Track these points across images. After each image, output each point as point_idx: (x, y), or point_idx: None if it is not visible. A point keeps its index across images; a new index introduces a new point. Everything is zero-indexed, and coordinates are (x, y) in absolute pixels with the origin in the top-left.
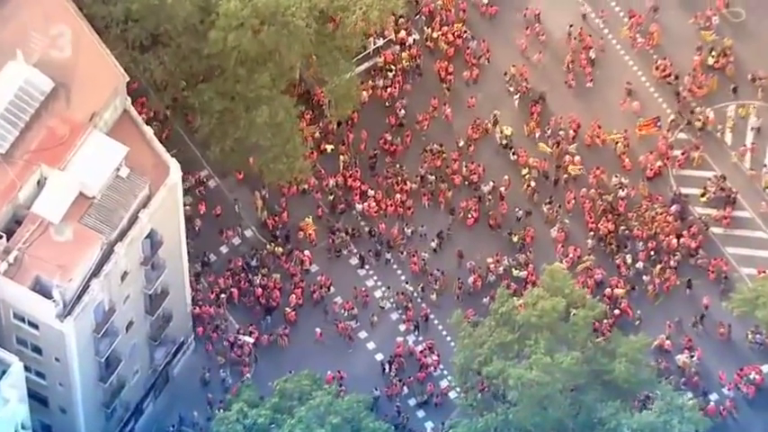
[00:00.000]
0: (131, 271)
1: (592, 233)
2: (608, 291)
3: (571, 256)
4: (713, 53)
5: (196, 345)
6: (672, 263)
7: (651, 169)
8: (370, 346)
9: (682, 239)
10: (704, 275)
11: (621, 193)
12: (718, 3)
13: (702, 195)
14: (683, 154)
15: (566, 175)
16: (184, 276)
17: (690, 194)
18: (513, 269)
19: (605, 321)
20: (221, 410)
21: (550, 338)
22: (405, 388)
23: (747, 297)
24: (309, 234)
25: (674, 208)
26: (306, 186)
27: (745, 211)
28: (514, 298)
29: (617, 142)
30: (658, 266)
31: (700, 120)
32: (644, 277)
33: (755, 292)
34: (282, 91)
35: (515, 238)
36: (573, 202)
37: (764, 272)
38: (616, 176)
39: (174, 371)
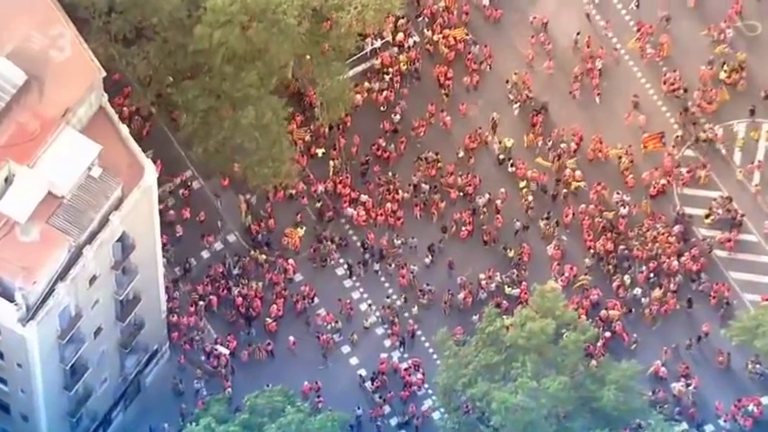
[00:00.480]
0: (101, 275)
1: (590, 251)
2: (603, 312)
3: (567, 274)
4: (725, 67)
5: (171, 353)
6: (672, 286)
7: (655, 187)
8: (353, 361)
9: (683, 259)
10: (706, 300)
11: (623, 211)
12: (730, 13)
13: (707, 217)
14: (688, 172)
15: (565, 190)
16: (159, 282)
17: (694, 215)
18: (506, 287)
19: (598, 345)
20: (191, 424)
21: (538, 361)
22: (387, 407)
23: (747, 326)
24: (294, 242)
25: (676, 228)
26: (293, 191)
27: (751, 235)
28: (503, 317)
29: (620, 157)
30: (658, 290)
31: (704, 132)
32: (642, 300)
33: (755, 321)
34: (271, 91)
35: (510, 253)
36: (571, 217)
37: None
38: (618, 193)
39: (147, 380)
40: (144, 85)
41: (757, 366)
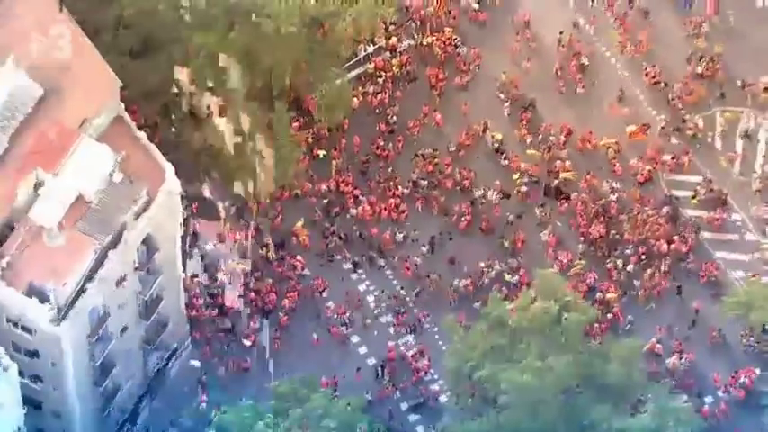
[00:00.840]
0: (126, 276)
1: (582, 238)
2: (599, 295)
3: (564, 261)
4: (703, 61)
5: (192, 348)
6: (663, 267)
7: (642, 174)
8: (362, 350)
9: (672, 245)
10: (695, 278)
11: (613, 197)
12: (709, 10)
13: (693, 197)
14: (673, 158)
15: (556, 181)
16: (179, 281)
17: (681, 197)
18: (506, 274)
19: (596, 326)
20: (218, 413)
21: (542, 342)
22: (397, 392)
23: (741, 300)
24: (303, 239)
25: (665, 210)
26: (299, 192)
27: (735, 214)
28: (506, 302)
29: (608, 147)
30: (649, 270)
31: (691, 127)
32: (634, 281)
33: (749, 295)
34: (275, 97)
35: (506, 243)
36: (566, 206)
37: (757, 275)
38: (607, 182)
39: (170, 374)
40: (151, 96)
41: (750, 339)
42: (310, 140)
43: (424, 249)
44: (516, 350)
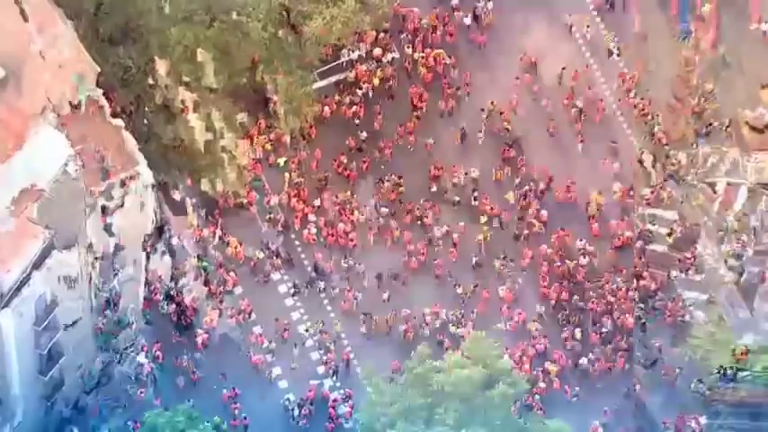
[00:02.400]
0: (77, 266)
1: (544, 298)
2: (547, 363)
3: (516, 319)
4: (693, 96)
5: (146, 345)
6: (623, 344)
7: (619, 238)
8: (283, 384)
9: (642, 282)
10: (662, 317)
11: (583, 261)
12: (707, 45)
13: (669, 235)
14: (652, 192)
15: (526, 232)
16: (142, 276)
17: (655, 233)
18: (451, 325)
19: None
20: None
21: (462, 410)
22: None
23: (704, 341)
24: (237, 252)
25: (638, 244)
26: (244, 200)
27: (708, 254)
28: (439, 359)
29: (588, 204)
30: (609, 346)
31: (674, 163)
32: (590, 355)
33: (713, 337)
34: (228, 93)
35: (460, 290)
36: (529, 260)
37: (723, 319)
38: (581, 241)
39: (121, 370)
40: (126, 84)
41: (700, 386)
42: (269, 147)
43: (375, 288)
44: (435, 413)
